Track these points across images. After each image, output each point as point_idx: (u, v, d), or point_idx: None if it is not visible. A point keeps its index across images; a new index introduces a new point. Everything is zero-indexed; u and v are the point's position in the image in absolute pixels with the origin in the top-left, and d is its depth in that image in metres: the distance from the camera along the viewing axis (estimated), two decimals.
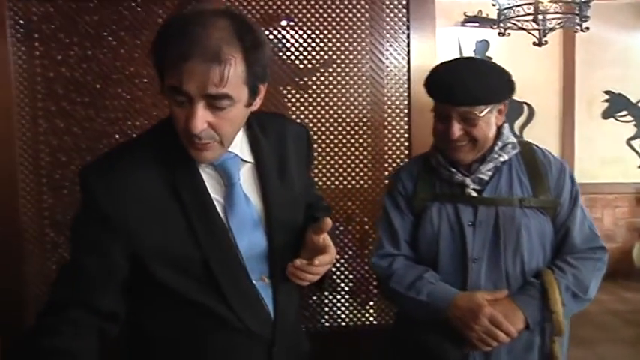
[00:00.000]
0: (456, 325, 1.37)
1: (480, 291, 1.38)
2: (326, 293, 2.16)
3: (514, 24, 3.72)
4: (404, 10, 2.02)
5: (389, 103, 2.09)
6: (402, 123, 2.09)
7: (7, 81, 1.94)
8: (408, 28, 2.02)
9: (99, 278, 1.04)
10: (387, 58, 2.07)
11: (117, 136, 2.03)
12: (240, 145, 1.12)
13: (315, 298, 2.15)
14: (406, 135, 2.09)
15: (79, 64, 1.99)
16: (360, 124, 2.09)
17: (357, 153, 2.11)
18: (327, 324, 2.16)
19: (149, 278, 1.05)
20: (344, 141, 2.10)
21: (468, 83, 1.36)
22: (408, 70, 2.04)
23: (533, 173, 1.45)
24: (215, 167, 1.09)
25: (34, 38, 1.97)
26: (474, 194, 1.43)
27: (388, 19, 2.06)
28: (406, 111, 2.06)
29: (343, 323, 2.17)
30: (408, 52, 2.03)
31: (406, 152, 2.10)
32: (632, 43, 5.25)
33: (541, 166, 1.46)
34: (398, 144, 2.10)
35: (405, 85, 2.06)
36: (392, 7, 2.05)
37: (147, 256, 1.04)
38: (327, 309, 2.17)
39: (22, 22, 1.95)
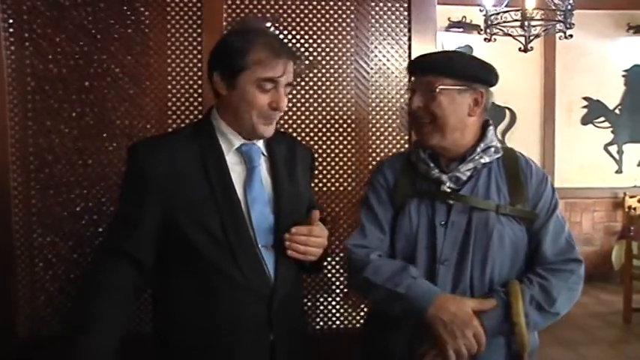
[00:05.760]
0: (435, 329, 1.27)
1: (469, 299, 1.32)
2: (319, 297, 2.15)
3: (500, 29, 3.79)
4: (405, 13, 2.03)
5: (389, 105, 2.09)
6: (399, 124, 2.09)
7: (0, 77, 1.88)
8: (410, 31, 2.02)
9: (133, 225, 1.32)
10: (389, 60, 2.07)
11: (104, 135, 1.98)
12: (261, 142, 1.44)
13: (306, 300, 2.13)
14: (406, 137, 2.09)
15: (67, 61, 1.94)
16: (345, 125, 2.09)
17: (342, 155, 2.10)
18: (320, 326, 2.15)
19: (176, 235, 1.32)
20: (329, 143, 2.09)
21: (435, 56, 1.44)
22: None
23: (513, 181, 1.41)
24: (241, 152, 1.40)
25: (25, 34, 1.91)
26: (449, 191, 1.39)
27: (389, 21, 2.06)
28: (405, 113, 2.05)
29: (334, 326, 2.16)
30: (409, 55, 2.03)
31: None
32: (609, 51, 5.41)
33: (522, 174, 1.41)
34: (398, 145, 2.10)
35: (406, 88, 2.05)
36: (393, 9, 2.05)
37: (177, 212, 1.32)
38: (320, 312, 2.16)
39: (14, 16, 1.90)
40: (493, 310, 1.30)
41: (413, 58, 1.49)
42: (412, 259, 1.39)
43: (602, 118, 5.45)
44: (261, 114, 1.35)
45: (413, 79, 1.43)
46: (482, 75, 1.38)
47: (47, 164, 1.95)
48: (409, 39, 2.04)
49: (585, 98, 5.41)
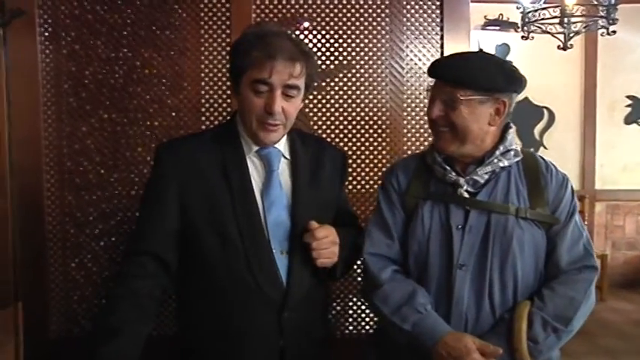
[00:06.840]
0: None
1: (470, 336, 1.30)
2: (348, 301, 2.12)
3: (538, 27, 3.67)
4: (437, 11, 1.99)
5: (422, 105, 2.03)
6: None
7: (35, 80, 1.92)
8: (442, 30, 1.98)
9: (157, 225, 1.33)
10: (420, 60, 2.03)
11: (137, 137, 2.00)
12: (283, 145, 1.42)
13: (335, 304, 2.10)
14: None
15: (100, 63, 1.97)
16: (376, 127, 2.05)
17: (372, 156, 2.07)
18: (349, 330, 2.11)
19: (192, 237, 1.33)
20: (359, 144, 2.06)
21: (458, 63, 1.35)
22: None
23: (533, 184, 1.37)
24: (260, 156, 1.38)
25: (60, 37, 1.95)
26: (467, 195, 1.36)
27: (421, 19, 2.02)
28: None
29: (363, 331, 2.11)
30: (442, 55, 1.98)
31: None
32: None
33: (542, 177, 1.38)
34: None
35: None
36: (425, 7, 2.01)
37: (194, 213, 1.32)
38: (349, 316, 2.12)
39: (50, 21, 1.93)
40: (498, 340, 1.29)
41: (434, 60, 1.43)
42: (425, 264, 1.38)
43: None
44: (257, 119, 1.31)
45: (433, 83, 1.39)
46: (505, 86, 1.33)
47: (80, 165, 1.98)
48: (441, 38, 2.00)
49: (629, 97, 5.20)
